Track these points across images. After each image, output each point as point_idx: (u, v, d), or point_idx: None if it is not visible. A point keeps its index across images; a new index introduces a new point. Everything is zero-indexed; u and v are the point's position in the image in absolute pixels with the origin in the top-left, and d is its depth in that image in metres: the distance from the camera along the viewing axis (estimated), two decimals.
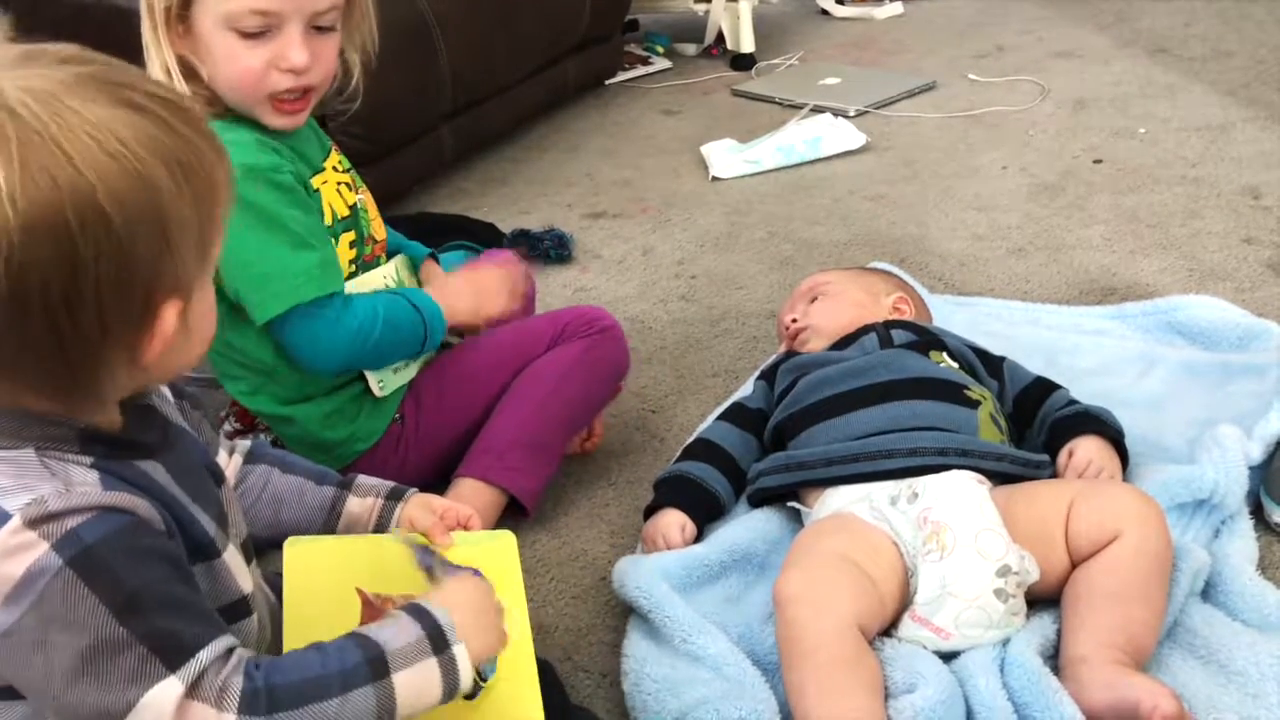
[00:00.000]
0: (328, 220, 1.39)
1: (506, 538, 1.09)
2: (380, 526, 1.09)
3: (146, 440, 0.84)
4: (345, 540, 1.07)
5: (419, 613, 0.86)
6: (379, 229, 1.50)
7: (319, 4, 1.30)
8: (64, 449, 0.78)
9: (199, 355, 0.85)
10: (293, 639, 0.95)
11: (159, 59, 1.29)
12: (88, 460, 0.79)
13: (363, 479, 1.11)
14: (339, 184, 1.43)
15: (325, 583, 1.00)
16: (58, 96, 0.72)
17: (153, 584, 0.75)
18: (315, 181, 1.39)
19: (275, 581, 1.03)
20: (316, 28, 1.31)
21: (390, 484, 1.11)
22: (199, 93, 1.31)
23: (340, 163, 1.46)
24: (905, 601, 1.19)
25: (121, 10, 2.27)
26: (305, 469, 1.11)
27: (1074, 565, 1.19)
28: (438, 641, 0.85)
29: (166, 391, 0.96)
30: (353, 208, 1.44)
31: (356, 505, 1.09)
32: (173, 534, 0.81)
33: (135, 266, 0.74)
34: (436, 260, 1.62)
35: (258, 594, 0.95)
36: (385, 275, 1.48)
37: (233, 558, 0.90)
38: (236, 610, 0.90)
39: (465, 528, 1.09)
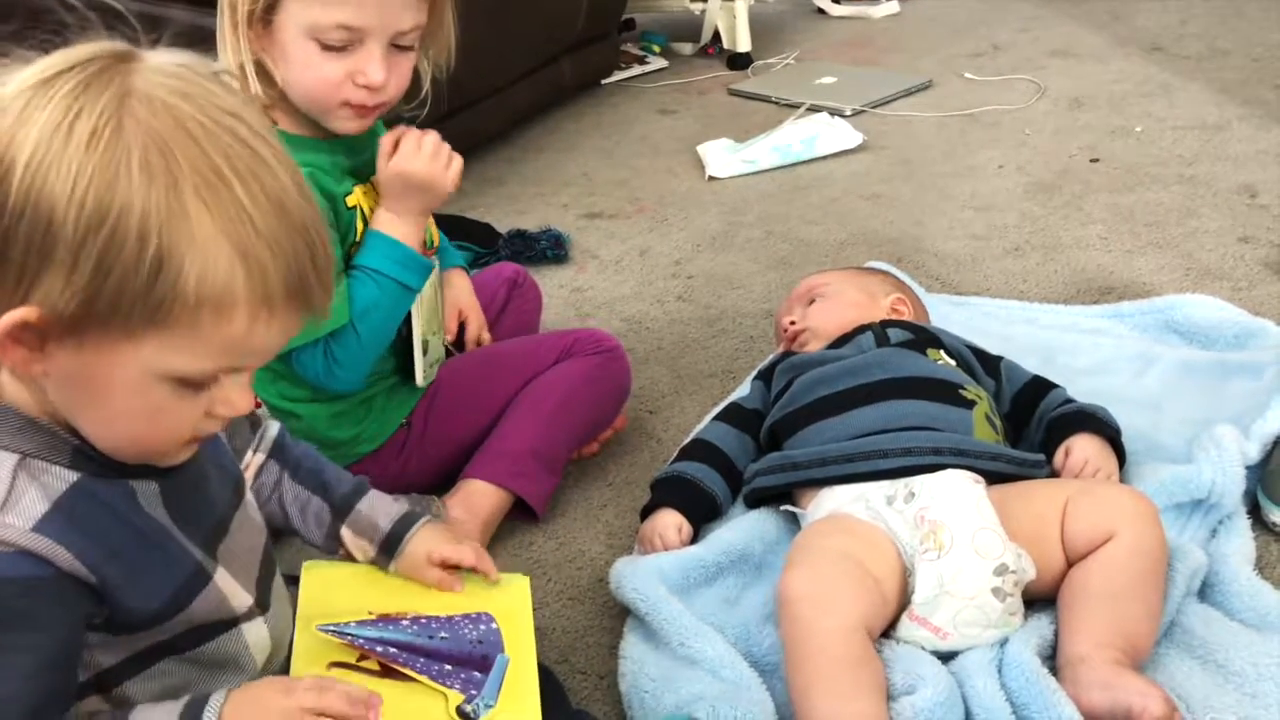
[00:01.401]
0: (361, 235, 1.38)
1: (520, 582, 1.08)
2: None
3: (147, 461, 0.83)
4: (363, 567, 1.07)
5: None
6: (434, 233, 1.50)
7: (403, 24, 1.30)
8: (50, 460, 0.78)
9: (145, 439, 0.79)
10: (301, 664, 0.95)
11: (234, 57, 1.29)
12: (73, 477, 0.78)
13: (362, 508, 1.08)
14: None
15: (340, 609, 1.00)
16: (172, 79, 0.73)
17: (7, 649, 0.75)
18: (351, 200, 1.38)
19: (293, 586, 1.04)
20: (396, 45, 1.31)
21: (386, 527, 1.07)
22: (269, 93, 1.31)
23: None
24: (904, 601, 1.19)
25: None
26: (314, 478, 1.08)
27: (1070, 564, 1.19)
28: None
29: None
30: None
31: (349, 540, 1.07)
32: (101, 589, 0.79)
33: (11, 241, 0.71)
34: (466, 272, 1.62)
35: (270, 605, 0.94)
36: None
37: (225, 581, 0.89)
38: (221, 627, 0.89)
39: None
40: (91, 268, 0.71)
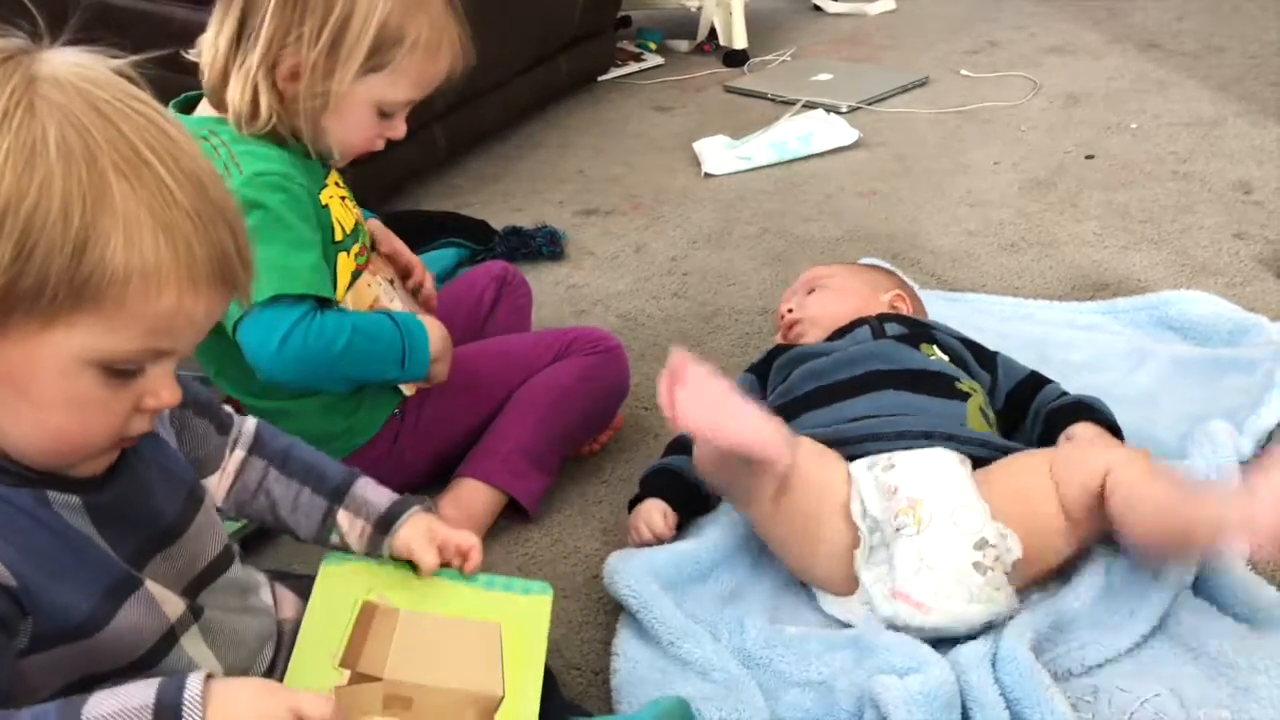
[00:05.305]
0: (337, 235, 1.39)
1: (543, 598, 1.03)
2: (371, 555, 1.04)
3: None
4: (384, 564, 1.03)
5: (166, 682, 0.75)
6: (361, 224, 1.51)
7: None
8: None
9: (73, 436, 0.77)
10: (301, 661, 0.94)
11: (249, 94, 1.30)
12: None
13: (358, 490, 1.05)
14: (341, 198, 1.44)
15: (350, 606, 0.98)
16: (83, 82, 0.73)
17: None
18: (323, 197, 1.39)
19: (291, 579, 1.02)
20: None
21: (383, 506, 1.04)
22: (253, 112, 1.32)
23: (339, 180, 1.46)
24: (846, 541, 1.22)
25: (139, 11, 2.27)
26: (304, 469, 1.05)
27: (1070, 522, 1.19)
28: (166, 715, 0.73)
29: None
30: (357, 222, 1.45)
31: (346, 522, 1.03)
32: (22, 594, 0.76)
33: None
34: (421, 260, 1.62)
35: (204, 613, 0.90)
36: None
37: (156, 588, 0.85)
38: (161, 648, 0.85)
39: (466, 557, 1.04)
40: (13, 247, 0.70)
